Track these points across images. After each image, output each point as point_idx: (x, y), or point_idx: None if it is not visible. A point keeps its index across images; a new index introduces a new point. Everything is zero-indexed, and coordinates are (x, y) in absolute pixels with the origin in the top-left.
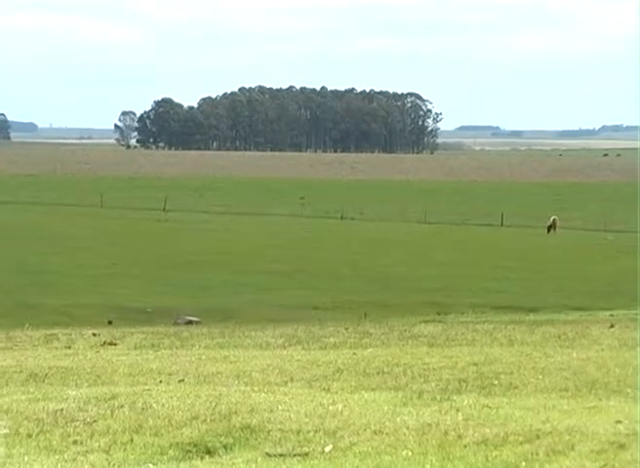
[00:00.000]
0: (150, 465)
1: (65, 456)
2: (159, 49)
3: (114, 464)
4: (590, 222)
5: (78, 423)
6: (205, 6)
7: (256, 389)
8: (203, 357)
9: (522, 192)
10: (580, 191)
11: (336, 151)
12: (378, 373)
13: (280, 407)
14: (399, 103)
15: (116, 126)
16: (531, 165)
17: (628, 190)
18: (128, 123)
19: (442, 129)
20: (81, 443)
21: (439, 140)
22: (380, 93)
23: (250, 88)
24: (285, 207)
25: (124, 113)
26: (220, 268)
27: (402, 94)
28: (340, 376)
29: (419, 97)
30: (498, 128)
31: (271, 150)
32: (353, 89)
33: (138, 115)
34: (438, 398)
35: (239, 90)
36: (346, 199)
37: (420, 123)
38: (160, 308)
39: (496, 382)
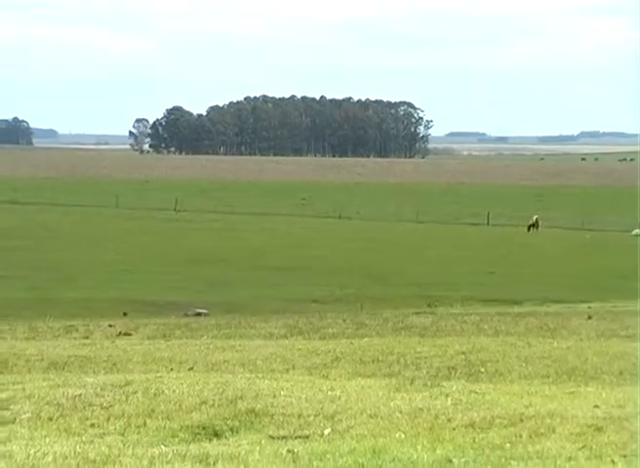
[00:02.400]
0: (162, 446)
1: (84, 438)
2: (170, 60)
3: (129, 446)
4: (570, 222)
5: (95, 408)
6: (213, 19)
7: (260, 376)
8: (211, 346)
9: (507, 194)
10: (560, 193)
11: (334, 156)
12: (373, 362)
13: (282, 392)
14: (393, 111)
15: (130, 132)
16: (515, 168)
17: (605, 192)
18: (141, 129)
19: (433, 135)
20: (98, 426)
21: (430, 146)
22: (376, 101)
23: (254, 97)
24: (287, 207)
25: (138, 120)
26: (227, 264)
27: (395, 102)
28: (338, 364)
29: (411, 105)
30: (484, 134)
31: (274, 155)
32: (350, 98)
33: (150, 122)
34: (429, 384)
35: (244, 99)
36: (344, 200)
37: (413, 129)
38: (171, 301)
39: (482, 370)
